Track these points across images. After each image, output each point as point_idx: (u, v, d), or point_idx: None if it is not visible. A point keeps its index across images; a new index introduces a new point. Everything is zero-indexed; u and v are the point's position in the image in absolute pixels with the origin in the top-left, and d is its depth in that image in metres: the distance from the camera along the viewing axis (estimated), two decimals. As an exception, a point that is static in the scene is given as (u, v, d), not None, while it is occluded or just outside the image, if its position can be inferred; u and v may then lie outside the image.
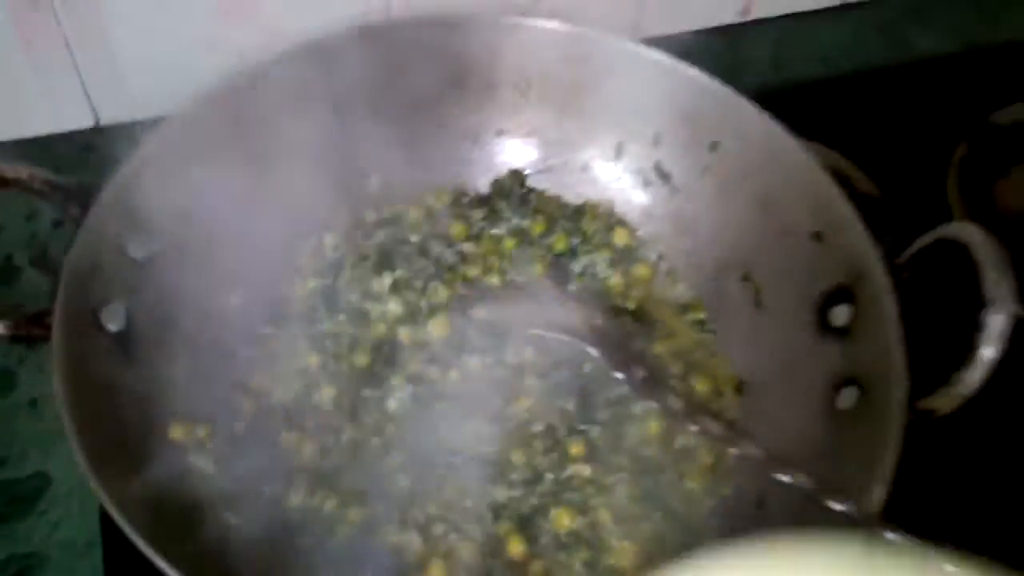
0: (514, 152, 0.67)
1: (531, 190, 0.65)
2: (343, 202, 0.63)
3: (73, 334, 0.48)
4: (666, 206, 0.64)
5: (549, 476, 0.53)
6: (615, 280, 0.62)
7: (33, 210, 0.68)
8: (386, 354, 0.57)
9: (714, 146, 0.61)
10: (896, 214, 0.62)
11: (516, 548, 0.51)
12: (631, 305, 0.61)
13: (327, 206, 0.62)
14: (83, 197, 0.51)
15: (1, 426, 0.58)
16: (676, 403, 0.55)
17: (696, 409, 0.54)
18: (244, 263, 0.58)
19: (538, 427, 0.55)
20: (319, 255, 0.62)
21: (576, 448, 0.54)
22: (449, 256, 0.62)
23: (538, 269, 0.62)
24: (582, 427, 0.55)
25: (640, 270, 0.63)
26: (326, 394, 0.56)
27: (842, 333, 0.52)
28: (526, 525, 0.52)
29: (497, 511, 0.52)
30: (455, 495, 0.53)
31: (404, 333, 0.58)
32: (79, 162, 0.70)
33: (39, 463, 0.57)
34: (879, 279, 0.50)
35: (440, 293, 0.60)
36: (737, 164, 0.60)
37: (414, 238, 0.62)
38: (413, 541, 0.51)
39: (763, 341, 0.58)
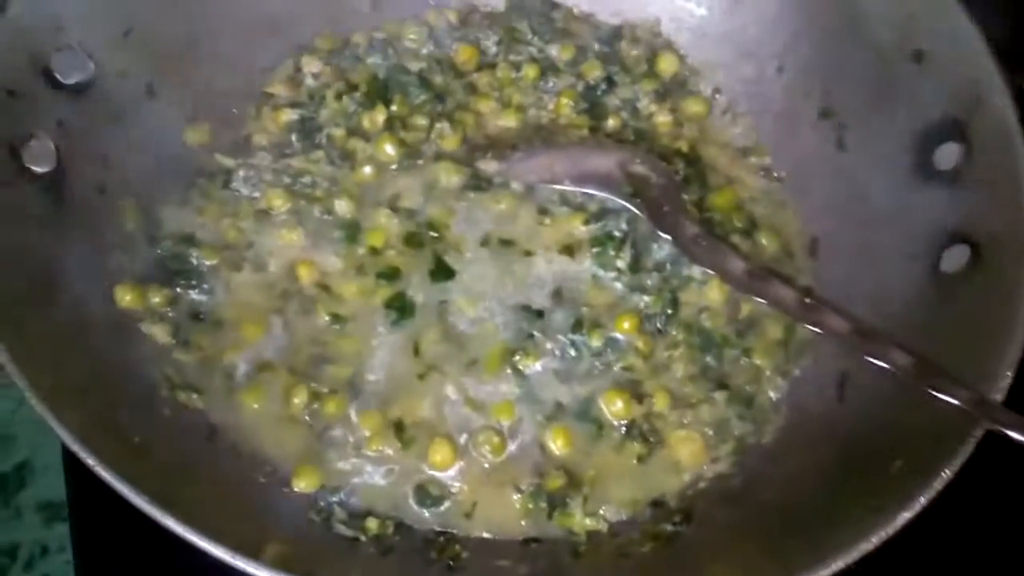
0: (536, -44, 0.55)
1: (557, 5, 0.54)
2: (324, 18, 0.51)
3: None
4: (725, 23, 0.53)
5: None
6: (661, 118, 0.52)
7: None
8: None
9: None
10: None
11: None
12: (682, 147, 0.50)
13: (304, 22, 0.51)
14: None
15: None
16: (738, 266, 0.45)
17: (763, 273, 0.45)
18: (201, 91, 0.48)
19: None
20: (296, 83, 0.51)
21: (629, 320, 0.45)
22: (457, 88, 0.51)
23: (565, 104, 0.51)
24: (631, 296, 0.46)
25: (692, 105, 0.52)
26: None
27: (950, 178, 0.43)
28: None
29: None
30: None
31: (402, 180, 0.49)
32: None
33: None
34: (1002, 108, 0.41)
35: (448, 138, 0.49)
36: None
37: (414, 65, 0.52)
38: None
39: (844, 190, 0.48)
